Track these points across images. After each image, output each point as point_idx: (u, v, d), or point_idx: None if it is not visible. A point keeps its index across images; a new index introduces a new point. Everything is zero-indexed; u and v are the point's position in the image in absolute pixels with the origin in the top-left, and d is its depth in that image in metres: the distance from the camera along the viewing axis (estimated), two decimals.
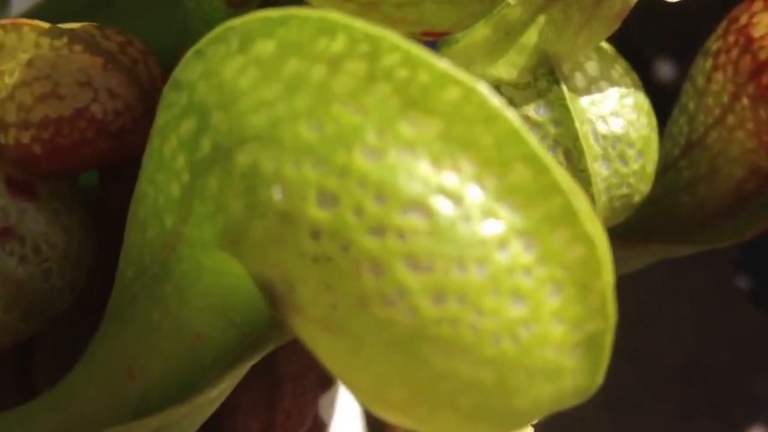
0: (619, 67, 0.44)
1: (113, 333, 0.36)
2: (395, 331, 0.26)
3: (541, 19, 0.41)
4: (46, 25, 0.39)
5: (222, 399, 0.37)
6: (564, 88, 0.42)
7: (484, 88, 0.26)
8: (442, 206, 0.26)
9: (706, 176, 0.46)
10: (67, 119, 0.39)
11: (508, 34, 0.41)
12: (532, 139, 0.26)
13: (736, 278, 0.72)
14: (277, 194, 0.27)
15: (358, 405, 0.67)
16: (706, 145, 0.45)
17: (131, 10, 0.50)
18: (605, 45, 0.44)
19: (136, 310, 0.35)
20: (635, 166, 0.43)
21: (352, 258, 0.26)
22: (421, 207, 0.26)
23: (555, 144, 0.42)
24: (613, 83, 0.43)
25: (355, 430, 0.64)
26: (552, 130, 0.42)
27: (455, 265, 0.26)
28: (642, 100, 0.44)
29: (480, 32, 0.41)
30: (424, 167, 0.26)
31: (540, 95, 0.42)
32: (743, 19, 0.43)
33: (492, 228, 0.26)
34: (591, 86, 0.43)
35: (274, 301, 0.28)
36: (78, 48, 0.39)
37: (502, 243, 0.26)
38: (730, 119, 0.43)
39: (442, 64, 0.27)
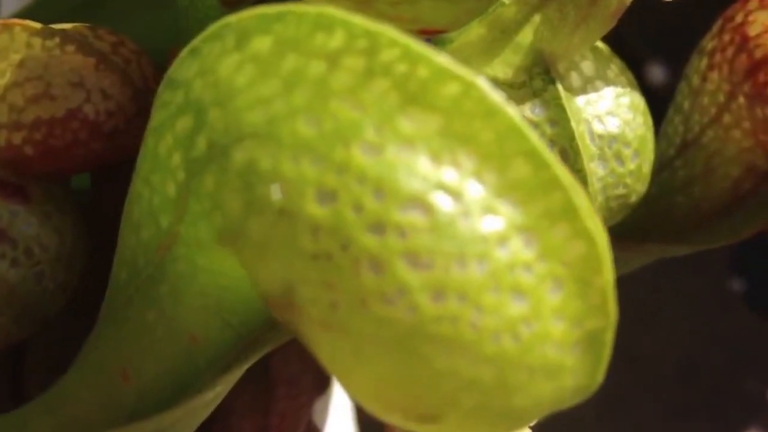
0: (615, 67, 0.44)
1: (107, 335, 0.36)
2: (395, 330, 0.26)
3: (537, 18, 0.41)
4: (37, 25, 0.39)
5: (218, 401, 0.37)
6: (560, 87, 0.41)
7: (483, 83, 0.26)
8: (442, 202, 0.26)
9: (701, 176, 0.45)
10: (60, 120, 0.38)
11: (504, 33, 0.41)
12: (533, 135, 0.26)
13: (730, 280, 0.71)
14: (275, 191, 0.27)
15: (350, 409, 0.67)
16: (702, 145, 0.45)
17: (124, 11, 0.50)
18: (600, 44, 0.44)
19: (130, 311, 0.35)
20: (631, 166, 0.43)
21: (352, 255, 0.26)
22: (420, 203, 0.26)
23: (551, 144, 0.42)
24: (608, 83, 0.43)
25: None
26: (548, 129, 0.42)
27: (455, 262, 0.26)
28: (638, 99, 0.43)
29: (475, 31, 0.41)
30: (423, 163, 0.26)
31: (536, 95, 0.42)
32: (738, 18, 0.43)
33: (492, 224, 0.26)
34: (587, 85, 0.43)
35: (272, 300, 0.28)
36: (70, 48, 0.39)
37: (502, 239, 0.26)
38: (726, 118, 0.43)
39: (441, 58, 0.26)
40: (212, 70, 0.29)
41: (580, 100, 0.42)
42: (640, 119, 0.43)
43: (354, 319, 0.26)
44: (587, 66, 0.43)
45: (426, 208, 0.26)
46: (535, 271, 0.26)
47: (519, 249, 0.26)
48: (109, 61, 0.39)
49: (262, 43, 0.28)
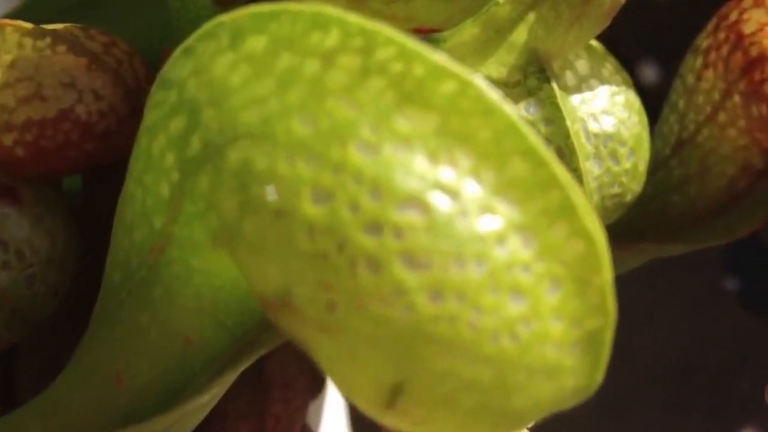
0: (609, 66, 0.44)
1: (100, 338, 0.36)
2: (393, 330, 0.26)
3: (531, 16, 0.41)
4: (28, 25, 0.39)
5: (213, 404, 0.37)
6: (554, 86, 0.41)
7: (480, 82, 0.26)
8: (439, 202, 0.25)
9: (697, 175, 0.45)
10: (51, 121, 0.38)
11: (498, 33, 0.41)
12: (530, 133, 0.26)
13: (724, 280, 0.71)
14: (270, 191, 0.26)
15: (344, 410, 0.67)
16: (697, 144, 0.45)
17: (115, 12, 0.50)
18: (595, 43, 0.44)
19: (123, 314, 0.35)
20: (627, 165, 0.43)
21: (349, 256, 0.26)
22: (417, 203, 0.25)
23: (546, 143, 0.41)
24: (603, 81, 0.43)
25: None
26: (543, 128, 0.41)
27: (453, 262, 0.25)
28: (633, 98, 0.43)
29: (469, 31, 0.41)
30: (420, 162, 0.26)
31: (530, 94, 0.41)
32: (733, 16, 0.43)
33: (490, 223, 0.26)
34: (581, 84, 0.42)
35: (267, 302, 0.28)
36: (61, 48, 0.38)
37: (500, 238, 0.26)
38: (722, 117, 0.43)
39: (437, 57, 0.26)
40: (206, 69, 0.29)
41: (575, 99, 0.42)
42: (635, 118, 0.43)
43: (351, 319, 0.26)
44: (582, 65, 0.43)
45: (423, 207, 0.25)
46: (534, 271, 0.26)
47: (517, 248, 0.26)
48: (101, 61, 0.39)
49: (256, 42, 0.28)
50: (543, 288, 0.26)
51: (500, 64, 0.41)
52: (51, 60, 0.38)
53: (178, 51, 0.30)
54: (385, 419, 0.28)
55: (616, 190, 0.43)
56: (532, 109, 0.41)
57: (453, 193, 0.26)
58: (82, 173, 0.43)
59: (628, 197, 0.43)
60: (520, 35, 0.41)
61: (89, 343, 0.36)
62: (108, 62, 0.39)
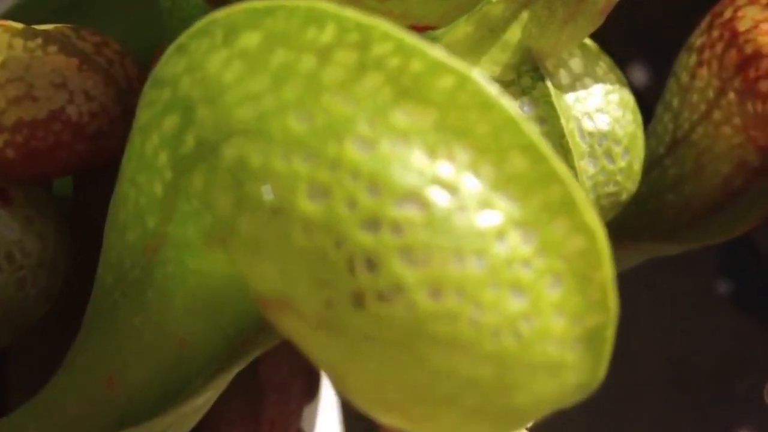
0: (603, 64, 0.43)
1: (92, 341, 0.35)
2: (392, 328, 0.25)
3: (524, 15, 0.40)
4: (19, 26, 0.38)
5: (208, 407, 0.36)
6: (549, 84, 0.41)
7: (479, 76, 0.26)
8: (438, 197, 0.25)
9: (692, 174, 0.45)
10: (42, 122, 0.37)
11: (492, 31, 0.41)
12: (529, 127, 0.26)
13: (717, 281, 0.71)
14: (266, 188, 0.26)
15: (337, 416, 0.66)
16: (692, 142, 0.45)
17: (107, 13, 0.49)
18: (588, 42, 0.44)
19: (116, 317, 0.34)
20: (622, 164, 0.42)
21: (346, 252, 0.25)
22: (416, 198, 0.25)
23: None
24: (597, 80, 0.43)
25: None
26: (537, 127, 0.41)
27: (453, 258, 0.25)
28: (627, 96, 0.43)
29: (462, 29, 0.41)
30: (418, 157, 0.25)
31: (524, 92, 0.41)
32: (727, 14, 0.43)
33: (489, 219, 0.25)
34: (575, 83, 0.42)
35: (264, 301, 0.27)
36: (52, 49, 0.38)
37: (500, 234, 0.25)
38: (716, 115, 0.43)
39: (435, 52, 0.26)
40: (200, 66, 0.29)
41: (570, 98, 0.42)
42: (629, 116, 0.43)
43: (349, 317, 0.26)
44: (576, 63, 0.42)
45: (421, 202, 0.25)
46: (534, 267, 0.26)
47: (517, 244, 0.25)
48: (92, 61, 0.38)
49: (250, 39, 0.28)
50: (544, 284, 0.26)
51: (494, 62, 0.41)
52: (42, 60, 0.38)
53: (171, 49, 0.30)
54: (384, 418, 0.27)
55: (611, 188, 0.42)
56: (526, 108, 0.41)
57: (451, 188, 0.25)
58: (73, 175, 0.43)
59: (624, 196, 0.43)
60: (513, 34, 0.41)
61: (82, 346, 0.35)
62: (99, 62, 0.39)
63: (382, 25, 0.26)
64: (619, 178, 0.42)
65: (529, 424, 0.35)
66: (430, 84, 0.26)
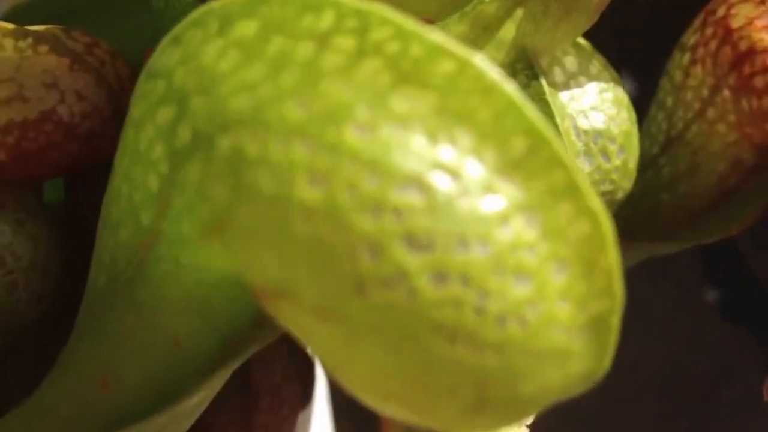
0: (597, 63, 0.43)
1: (85, 343, 0.35)
2: (394, 316, 0.25)
3: (519, 13, 0.40)
4: (10, 26, 0.38)
5: (202, 408, 0.36)
6: (543, 83, 0.41)
7: (479, 60, 0.25)
8: (440, 182, 0.25)
9: (686, 173, 0.45)
10: (33, 122, 0.37)
11: (486, 30, 0.40)
12: (532, 111, 0.25)
13: (703, 290, 0.71)
14: (264, 177, 0.26)
15: (330, 422, 0.65)
16: (686, 141, 0.44)
17: (99, 19, 0.49)
18: (582, 40, 0.44)
19: (109, 317, 0.34)
20: (617, 162, 0.42)
21: (347, 239, 0.25)
22: (417, 183, 0.25)
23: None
24: (591, 78, 0.42)
25: None
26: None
27: (456, 243, 0.25)
28: (621, 94, 0.43)
29: (456, 28, 0.40)
30: (419, 142, 0.25)
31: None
32: (721, 11, 0.42)
33: (493, 203, 0.25)
34: (570, 81, 0.42)
35: (263, 292, 0.27)
36: (43, 49, 0.37)
37: (504, 219, 0.25)
38: (711, 112, 0.43)
39: (435, 36, 0.26)
40: (194, 57, 0.28)
41: (564, 96, 0.42)
42: (624, 114, 0.43)
43: (350, 305, 0.25)
44: (570, 61, 0.42)
45: (423, 187, 0.25)
46: (539, 252, 0.25)
47: (521, 229, 0.25)
48: (83, 61, 0.38)
49: (246, 28, 0.28)
50: (548, 269, 0.25)
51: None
52: (33, 60, 0.37)
53: (165, 40, 0.30)
54: (384, 409, 0.27)
55: (607, 187, 0.42)
56: None
57: (454, 173, 0.25)
58: (65, 176, 0.42)
59: (619, 194, 0.43)
60: (508, 32, 0.40)
61: (75, 347, 0.34)
62: (90, 62, 0.38)
63: (381, 10, 0.26)
64: (614, 176, 0.42)
65: (530, 421, 0.34)
66: (430, 69, 0.26)
